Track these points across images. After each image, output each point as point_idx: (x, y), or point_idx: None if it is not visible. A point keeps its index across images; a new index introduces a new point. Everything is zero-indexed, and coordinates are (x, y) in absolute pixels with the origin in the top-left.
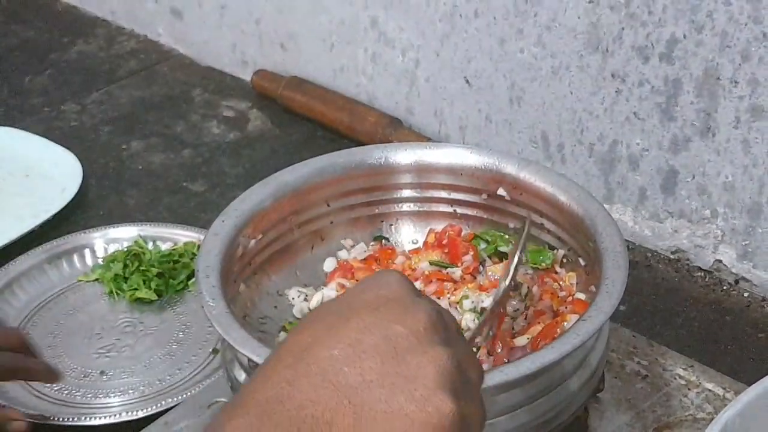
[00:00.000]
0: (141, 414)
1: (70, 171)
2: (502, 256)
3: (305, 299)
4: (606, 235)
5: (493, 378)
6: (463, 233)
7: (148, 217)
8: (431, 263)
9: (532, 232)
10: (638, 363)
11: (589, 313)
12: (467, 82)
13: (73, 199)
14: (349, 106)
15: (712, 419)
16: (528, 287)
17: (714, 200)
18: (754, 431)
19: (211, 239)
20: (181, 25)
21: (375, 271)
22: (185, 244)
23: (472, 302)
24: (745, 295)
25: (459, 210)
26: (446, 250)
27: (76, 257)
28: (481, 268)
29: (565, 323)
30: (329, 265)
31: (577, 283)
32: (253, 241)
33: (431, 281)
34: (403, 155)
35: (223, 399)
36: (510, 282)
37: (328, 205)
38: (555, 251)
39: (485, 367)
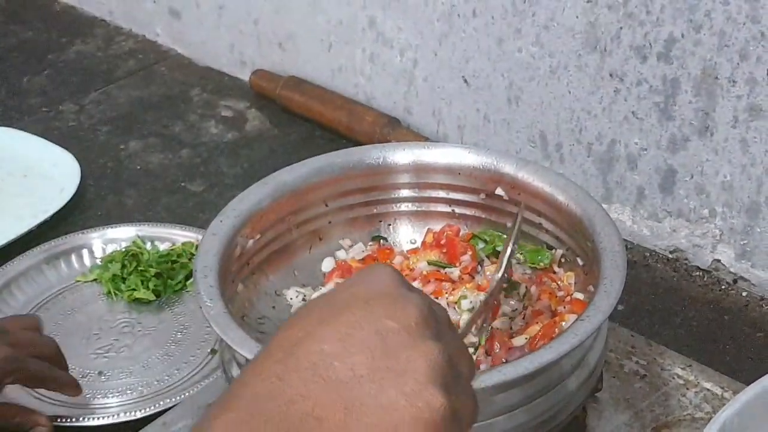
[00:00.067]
0: (140, 414)
1: (68, 171)
2: None
3: (303, 299)
4: (604, 234)
5: (491, 378)
6: (461, 233)
7: (146, 217)
8: (429, 263)
9: (531, 231)
10: (637, 362)
11: (587, 313)
12: (465, 81)
13: (71, 199)
14: (348, 105)
15: (710, 419)
16: (526, 287)
17: (712, 200)
18: (752, 430)
19: (209, 239)
20: (180, 25)
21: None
22: (183, 244)
23: (471, 302)
24: (744, 294)
25: (457, 210)
26: (444, 250)
27: (74, 257)
28: (479, 267)
29: (564, 323)
30: (327, 265)
31: (575, 283)
32: (251, 241)
33: (429, 281)
34: (402, 155)
35: None
36: (503, 274)
37: (327, 205)
38: (553, 251)
39: (483, 367)
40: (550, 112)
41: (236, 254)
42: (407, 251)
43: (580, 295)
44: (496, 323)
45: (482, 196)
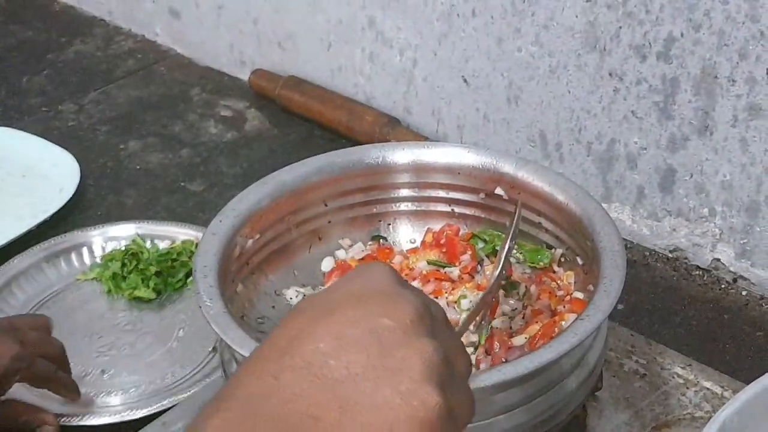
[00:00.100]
0: (143, 413)
1: (67, 171)
2: None
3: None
4: (604, 234)
5: (491, 377)
6: (461, 232)
7: (146, 216)
8: (429, 263)
9: (531, 231)
10: (636, 362)
11: (587, 312)
12: (465, 81)
13: (71, 199)
14: (347, 105)
15: (710, 418)
16: (526, 286)
17: (712, 199)
18: (752, 429)
19: (209, 239)
20: (179, 24)
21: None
22: (183, 242)
23: (470, 302)
24: (743, 293)
25: (457, 209)
26: (444, 250)
27: (74, 256)
28: (479, 267)
29: (563, 322)
30: (327, 264)
31: (575, 282)
32: (250, 241)
33: (429, 281)
34: (401, 155)
35: None
36: (501, 270)
37: (326, 205)
38: (553, 250)
39: (483, 366)
40: (549, 112)
41: (236, 254)
42: (407, 251)
43: (579, 295)
44: (496, 322)
45: (482, 195)
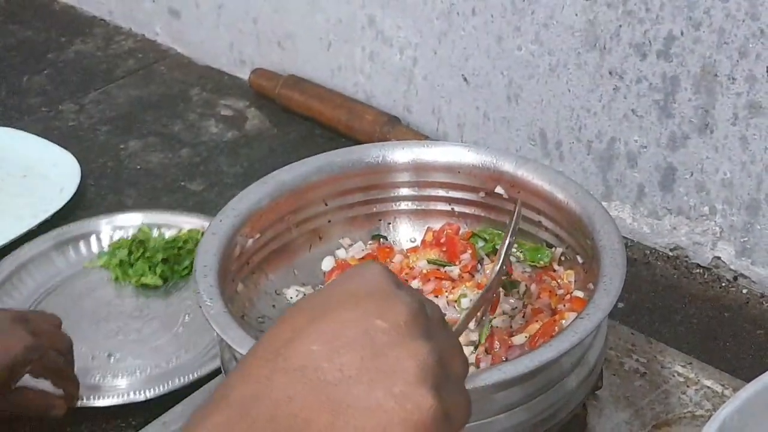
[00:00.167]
0: (149, 395)
1: (68, 171)
2: None
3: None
4: (604, 232)
5: (491, 376)
6: (461, 231)
7: None
8: (429, 262)
9: (531, 230)
10: (637, 360)
11: (587, 311)
12: (465, 80)
13: (71, 199)
14: (347, 104)
15: (710, 416)
16: (526, 285)
17: (712, 197)
18: (752, 428)
19: (209, 239)
20: (179, 24)
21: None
22: (189, 230)
23: (470, 300)
24: (744, 291)
25: (457, 208)
26: (444, 249)
27: (82, 244)
28: (479, 266)
29: (563, 321)
30: (327, 264)
31: (575, 281)
32: (250, 241)
33: (429, 280)
34: (401, 154)
35: None
36: (501, 267)
37: (326, 204)
38: (553, 249)
39: (483, 365)
40: (549, 110)
41: (236, 253)
42: (407, 250)
43: (579, 293)
44: (496, 321)
45: (482, 194)
